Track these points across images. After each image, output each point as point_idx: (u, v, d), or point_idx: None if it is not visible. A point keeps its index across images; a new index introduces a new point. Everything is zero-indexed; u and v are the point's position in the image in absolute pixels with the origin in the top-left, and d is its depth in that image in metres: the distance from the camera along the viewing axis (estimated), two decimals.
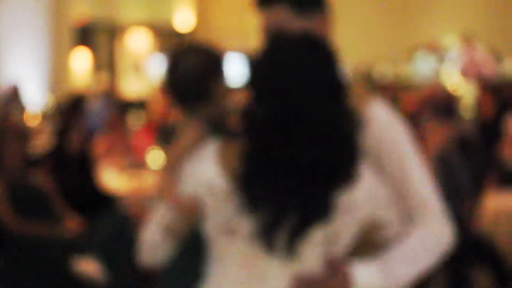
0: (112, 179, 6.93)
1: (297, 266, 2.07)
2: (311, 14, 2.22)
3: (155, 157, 7.21)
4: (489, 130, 9.42)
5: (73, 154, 6.30)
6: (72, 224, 5.85)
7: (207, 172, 2.08)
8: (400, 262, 2.15)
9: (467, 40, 14.43)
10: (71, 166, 6.30)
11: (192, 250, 2.28)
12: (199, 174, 2.10)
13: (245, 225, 2.05)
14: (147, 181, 6.57)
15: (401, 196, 2.19)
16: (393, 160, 2.19)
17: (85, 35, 14.78)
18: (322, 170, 2.00)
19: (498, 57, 15.19)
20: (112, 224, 5.87)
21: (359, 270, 2.11)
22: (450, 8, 16.31)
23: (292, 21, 2.19)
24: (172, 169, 2.22)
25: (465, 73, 14.40)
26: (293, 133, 1.99)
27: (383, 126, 2.19)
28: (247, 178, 2.02)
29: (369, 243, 2.17)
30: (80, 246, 5.69)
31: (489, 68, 14.24)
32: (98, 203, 6.23)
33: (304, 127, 2.00)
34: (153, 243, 2.25)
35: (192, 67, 2.40)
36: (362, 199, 2.08)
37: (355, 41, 15.17)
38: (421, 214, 2.20)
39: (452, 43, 15.42)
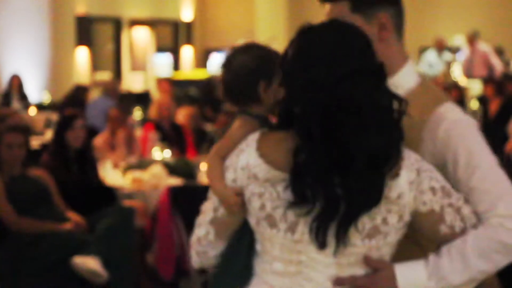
0: (114, 174, 6.90)
1: (343, 261, 2.08)
2: (369, 13, 2.25)
3: (158, 152, 7.19)
4: (494, 127, 9.40)
5: (74, 150, 6.26)
6: (72, 221, 5.82)
7: (250, 160, 2.09)
8: (451, 263, 2.09)
9: (474, 40, 14.43)
10: (71, 162, 6.27)
11: (241, 246, 2.25)
12: (241, 163, 2.11)
13: (289, 216, 2.06)
14: (150, 176, 6.54)
15: (467, 195, 2.15)
16: (460, 159, 2.17)
17: (86, 31, 14.72)
18: (371, 157, 2.00)
19: (504, 57, 15.20)
20: (114, 219, 5.85)
21: (404, 270, 2.10)
22: (458, 8, 16.32)
23: (349, 18, 2.22)
24: (219, 163, 2.21)
25: (472, 72, 14.40)
26: (339, 123, 2.00)
27: (452, 124, 2.20)
28: (297, 170, 2.02)
29: (426, 240, 2.16)
30: (81, 243, 5.66)
31: (496, 68, 14.22)
32: (100, 199, 6.21)
33: (349, 115, 2.00)
34: (205, 244, 2.27)
35: (243, 67, 2.33)
36: (405, 188, 2.06)
37: None
38: (486, 214, 2.13)
39: (459, 43, 15.43)
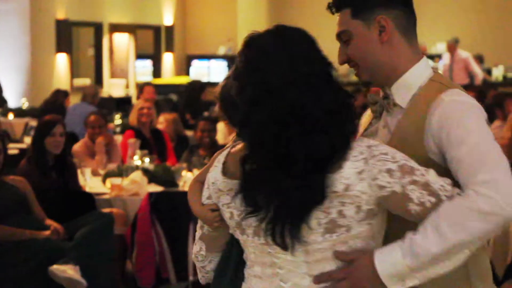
0: (94, 181, 6.86)
1: (310, 258, 2.12)
2: (368, 18, 2.33)
3: (138, 159, 7.15)
4: None
5: (53, 156, 6.21)
6: (51, 228, 5.76)
7: (216, 175, 2.22)
8: (426, 237, 2.05)
9: (454, 48, 14.50)
10: (50, 168, 6.22)
11: (231, 256, 2.37)
12: (210, 179, 2.25)
13: (252, 222, 2.14)
14: (129, 183, 6.50)
15: (457, 171, 2.15)
16: (451, 136, 2.18)
17: (66, 36, 14.63)
18: (314, 159, 2.05)
19: (484, 64, 15.28)
20: (93, 226, 5.80)
21: (381, 254, 2.09)
22: (440, 16, 16.41)
23: (351, 24, 2.34)
24: (197, 186, 2.37)
25: (452, 79, 14.47)
26: (285, 128, 2.06)
27: (448, 105, 2.23)
28: (245, 178, 2.12)
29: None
30: (59, 251, 5.61)
31: (476, 75, 14.30)
32: (79, 206, 6.16)
33: (296, 120, 2.06)
34: (201, 260, 2.40)
35: None
36: (352, 179, 2.07)
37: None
38: (466, 184, 2.10)
39: (441, 51, 15.51)
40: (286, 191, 2.06)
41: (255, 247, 2.17)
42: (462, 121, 2.20)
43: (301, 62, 2.09)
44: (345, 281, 2.10)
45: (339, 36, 2.38)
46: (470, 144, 2.15)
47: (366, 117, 2.53)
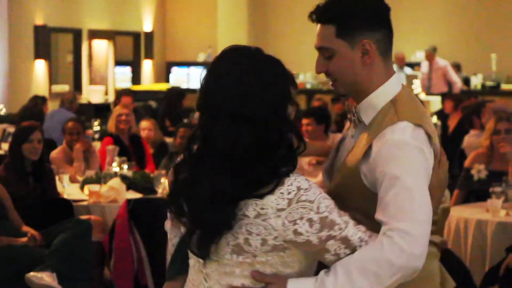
0: (72, 188, 6.82)
1: (221, 269, 2.21)
2: (353, 39, 2.36)
3: (116, 165, 7.12)
4: (453, 142, 9.48)
5: (31, 163, 6.17)
6: (28, 235, 5.72)
7: (165, 192, 2.28)
8: (336, 279, 2.13)
9: (432, 56, 14.56)
10: (28, 175, 6.18)
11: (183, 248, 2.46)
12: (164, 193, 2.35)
13: (180, 233, 2.30)
14: (108, 190, 6.46)
15: (383, 212, 2.22)
16: (384, 177, 2.25)
17: (45, 42, 14.56)
18: (215, 195, 2.13)
19: (462, 73, 15.36)
20: (71, 233, 5.77)
21: (295, 285, 2.16)
22: (418, 25, 16.48)
23: (334, 42, 2.37)
24: None
25: (431, 88, 14.53)
26: (200, 158, 2.18)
27: (387, 144, 2.28)
28: (170, 197, 2.25)
29: None
30: (36, 258, 5.58)
31: (455, 83, 14.36)
32: (56, 213, 6.12)
33: (209, 153, 2.16)
34: (169, 233, 2.50)
35: None
36: (269, 211, 2.11)
37: None
38: (383, 226, 2.18)
39: (420, 59, 15.57)
40: (200, 210, 2.15)
41: (190, 254, 2.29)
42: (395, 162, 2.25)
43: (233, 99, 2.14)
44: None
45: (319, 49, 2.41)
46: (397, 188, 2.21)
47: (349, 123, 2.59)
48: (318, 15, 2.40)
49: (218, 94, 2.16)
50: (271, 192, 2.11)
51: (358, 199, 2.36)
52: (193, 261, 2.30)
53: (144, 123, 9.04)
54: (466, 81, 15.37)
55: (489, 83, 15.39)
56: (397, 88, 2.42)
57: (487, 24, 16.25)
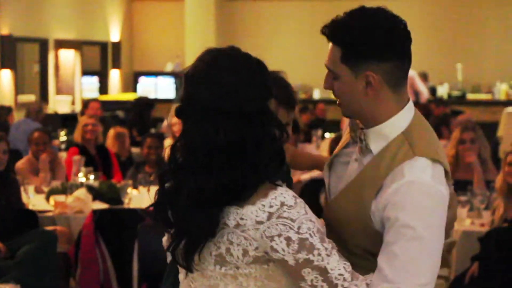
0: (37, 199, 6.76)
1: (206, 282, 2.15)
2: (357, 68, 2.21)
3: (83, 175, 7.08)
4: None
5: None
6: None
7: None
8: None
9: None
10: None
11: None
12: None
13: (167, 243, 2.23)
14: (74, 201, 6.42)
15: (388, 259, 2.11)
16: (395, 221, 2.12)
17: (10, 52, 14.44)
18: (196, 195, 2.07)
19: (428, 82, 15.46)
20: (36, 244, 5.72)
21: None
22: None
23: (339, 66, 2.23)
24: None
25: None
26: (178, 165, 2.13)
27: (406, 186, 2.14)
28: (155, 206, 2.18)
29: None
30: (1, 269, 5.52)
31: (422, 93, 14.44)
32: (21, 224, 6.07)
33: (188, 153, 2.11)
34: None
35: None
36: (248, 222, 2.05)
37: (296, 65, 15.32)
38: (375, 270, 2.10)
39: None
40: (184, 217, 2.10)
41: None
42: (413, 211, 2.12)
43: (212, 96, 2.08)
44: None
45: (327, 68, 2.29)
46: (409, 241, 2.09)
47: (346, 133, 2.46)
48: (328, 33, 2.26)
49: (196, 95, 2.10)
50: (252, 202, 2.03)
51: (359, 235, 2.22)
52: (182, 276, 2.24)
53: (112, 132, 8.98)
54: (433, 91, 15.48)
55: (455, 93, 15.52)
56: (409, 117, 2.26)
57: (453, 34, 16.39)
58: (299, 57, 16.29)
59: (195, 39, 15.71)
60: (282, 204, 2.03)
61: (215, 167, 2.05)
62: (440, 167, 2.20)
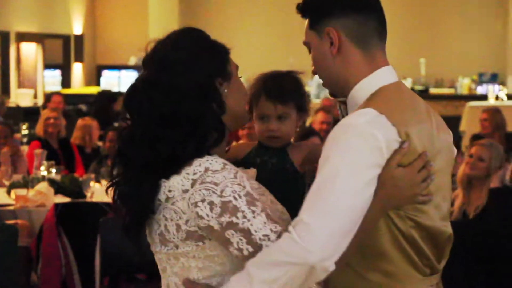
0: None
1: (159, 265, 2.16)
2: (320, 29, 2.19)
3: (44, 169, 7.01)
4: None
5: None
6: None
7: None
8: (238, 281, 1.96)
9: None
10: None
11: None
12: None
13: None
14: (35, 194, 6.35)
15: None
16: (320, 162, 2.05)
17: None
18: (141, 166, 2.08)
19: None
20: None
21: None
22: None
23: (309, 34, 2.22)
24: None
25: None
26: (122, 141, 2.16)
27: (335, 127, 2.07)
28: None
29: None
30: None
31: None
32: None
33: (130, 124, 2.14)
34: None
35: None
36: (176, 194, 2.04)
37: (259, 56, 15.33)
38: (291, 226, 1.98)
39: None
40: (127, 195, 2.11)
41: None
42: (332, 143, 2.04)
43: (150, 70, 2.14)
44: None
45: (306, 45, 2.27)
46: (323, 171, 2.00)
47: None
48: (298, 9, 2.25)
49: (142, 74, 2.16)
50: (178, 172, 2.02)
51: None
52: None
53: (80, 122, 8.90)
54: None
55: (418, 87, 15.62)
56: (383, 81, 2.16)
57: (416, 29, 16.49)
58: (264, 47, 16.28)
59: (158, 32, 15.61)
60: (206, 169, 2.01)
61: (152, 139, 2.07)
62: (386, 122, 2.05)
